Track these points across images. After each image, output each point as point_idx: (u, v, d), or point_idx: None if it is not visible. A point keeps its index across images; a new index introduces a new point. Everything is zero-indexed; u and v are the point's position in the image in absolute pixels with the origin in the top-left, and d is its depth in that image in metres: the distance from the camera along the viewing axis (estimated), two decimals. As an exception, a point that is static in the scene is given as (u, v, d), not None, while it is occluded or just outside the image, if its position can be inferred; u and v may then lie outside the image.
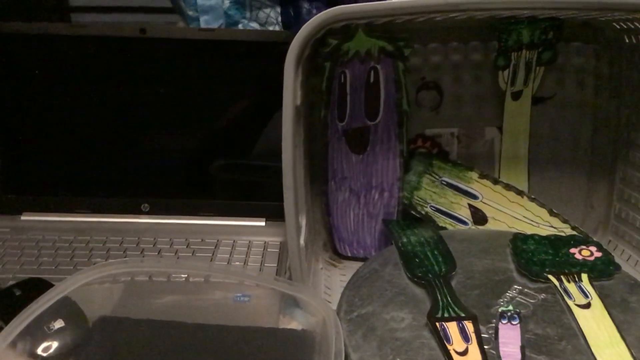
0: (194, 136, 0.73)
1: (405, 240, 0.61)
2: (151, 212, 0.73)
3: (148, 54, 0.70)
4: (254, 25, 0.83)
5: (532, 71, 0.66)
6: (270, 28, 0.83)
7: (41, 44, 0.70)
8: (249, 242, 0.69)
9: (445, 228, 0.67)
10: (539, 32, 0.64)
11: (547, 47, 0.65)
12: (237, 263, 0.65)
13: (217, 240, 0.69)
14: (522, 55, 0.65)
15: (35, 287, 0.54)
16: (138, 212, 0.73)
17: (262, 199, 0.73)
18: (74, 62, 0.71)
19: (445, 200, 0.68)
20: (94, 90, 0.71)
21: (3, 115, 0.71)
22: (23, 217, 0.73)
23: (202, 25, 0.82)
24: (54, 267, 0.63)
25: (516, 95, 0.67)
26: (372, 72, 0.64)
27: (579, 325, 0.48)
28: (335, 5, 0.50)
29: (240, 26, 0.82)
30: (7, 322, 0.46)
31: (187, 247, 0.68)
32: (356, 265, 0.62)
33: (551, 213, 0.67)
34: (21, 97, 0.71)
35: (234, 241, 0.69)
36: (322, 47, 0.62)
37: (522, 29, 0.64)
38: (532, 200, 0.67)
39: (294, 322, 0.54)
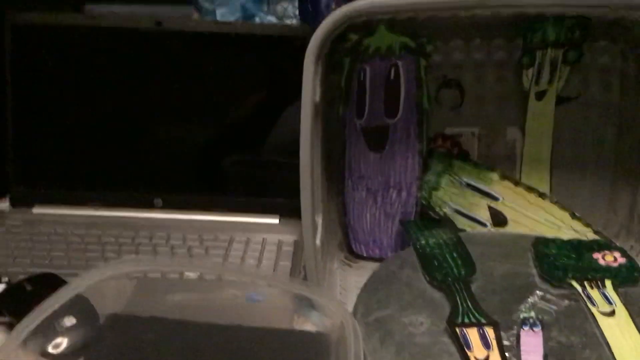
0: (208, 130, 0.73)
1: (423, 241, 0.60)
2: (164, 207, 0.72)
3: (163, 47, 0.70)
4: (271, 19, 0.82)
5: (557, 70, 0.64)
6: (288, 22, 0.82)
7: (55, 35, 0.69)
8: (263, 239, 0.68)
9: (464, 230, 0.65)
10: (565, 30, 0.62)
11: (573, 46, 0.63)
12: (251, 261, 0.64)
13: (231, 237, 0.68)
14: (547, 53, 0.63)
15: (47, 283, 0.54)
16: (151, 206, 0.72)
17: (276, 196, 0.72)
18: (88, 53, 0.70)
19: (465, 201, 0.66)
20: (108, 83, 0.71)
21: (15, 107, 0.71)
22: (35, 210, 0.72)
23: (218, 18, 0.81)
24: (65, 262, 0.62)
25: (540, 95, 0.65)
26: (392, 69, 0.62)
27: (603, 334, 0.47)
28: (354, -1, 0.49)
29: (257, 19, 0.81)
30: (17, 317, 0.45)
31: (200, 244, 0.67)
32: (372, 265, 0.61)
33: (573, 216, 0.65)
34: (34, 89, 0.71)
35: (247, 239, 0.68)
36: (342, 42, 0.61)
37: (547, 27, 0.62)
38: (554, 203, 0.66)
39: (309, 324, 0.52)
